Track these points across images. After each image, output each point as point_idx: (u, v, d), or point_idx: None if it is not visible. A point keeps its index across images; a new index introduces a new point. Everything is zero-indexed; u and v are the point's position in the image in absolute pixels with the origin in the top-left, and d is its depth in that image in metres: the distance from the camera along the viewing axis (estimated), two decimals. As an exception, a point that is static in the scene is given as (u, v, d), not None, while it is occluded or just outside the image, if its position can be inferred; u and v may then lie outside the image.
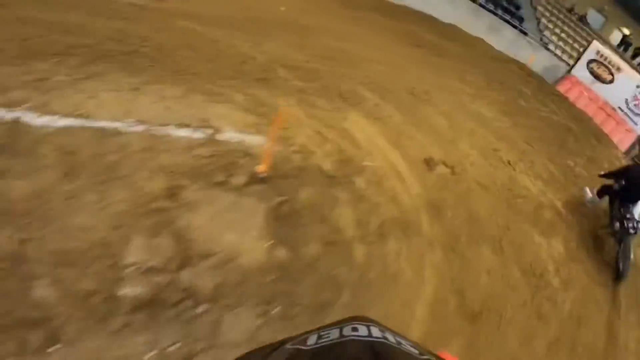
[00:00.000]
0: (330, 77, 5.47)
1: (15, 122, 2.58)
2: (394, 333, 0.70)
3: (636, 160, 6.67)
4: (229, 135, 3.37)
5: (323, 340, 0.66)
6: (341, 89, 5.27)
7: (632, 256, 5.44)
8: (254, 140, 3.43)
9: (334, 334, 0.67)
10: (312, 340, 0.67)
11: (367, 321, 0.73)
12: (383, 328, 0.71)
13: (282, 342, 0.71)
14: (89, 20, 4.23)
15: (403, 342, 0.67)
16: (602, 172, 6.48)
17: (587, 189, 6.49)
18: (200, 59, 4.42)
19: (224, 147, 3.22)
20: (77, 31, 3.85)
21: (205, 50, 4.69)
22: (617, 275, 5.35)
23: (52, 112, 2.76)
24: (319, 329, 0.71)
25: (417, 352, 0.65)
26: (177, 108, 3.35)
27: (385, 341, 0.65)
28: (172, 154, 2.93)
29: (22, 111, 2.66)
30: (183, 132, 3.15)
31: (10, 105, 2.67)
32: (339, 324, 0.72)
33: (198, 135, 3.20)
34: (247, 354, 0.74)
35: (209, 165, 3.01)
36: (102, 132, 2.81)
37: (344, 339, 0.65)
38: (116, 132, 2.85)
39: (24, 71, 3.01)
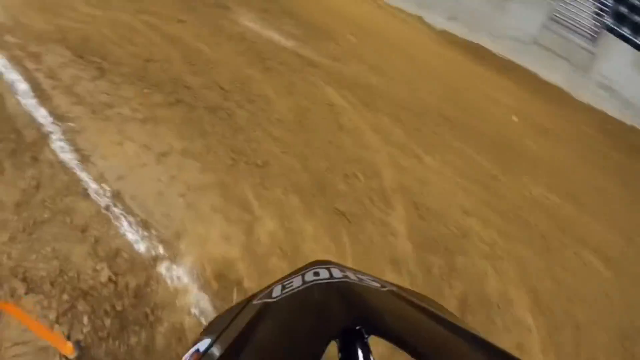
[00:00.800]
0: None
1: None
2: (355, 271, 0.72)
3: None
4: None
5: (287, 290, 0.66)
6: None
7: None
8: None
9: (297, 281, 0.68)
10: (276, 291, 0.67)
11: (327, 264, 0.73)
12: (343, 268, 0.72)
13: (248, 300, 0.72)
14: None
15: (364, 277, 0.69)
16: None
17: None
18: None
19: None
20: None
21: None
22: None
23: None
24: (281, 279, 0.72)
25: (378, 285, 0.68)
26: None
27: (348, 279, 0.66)
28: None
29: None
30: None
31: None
32: (300, 271, 0.72)
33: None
34: (217, 317, 0.76)
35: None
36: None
37: (307, 284, 0.66)
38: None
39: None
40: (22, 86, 3.73)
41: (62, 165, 3.04)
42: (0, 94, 3.40)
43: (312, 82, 4.41)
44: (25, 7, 4.39)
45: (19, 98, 3.54)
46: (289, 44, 4.94)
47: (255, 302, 0.71)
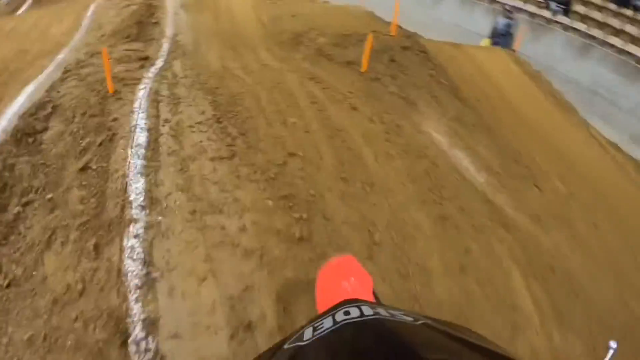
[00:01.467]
0: None
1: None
2: (386, 307, 0.73)
3: None
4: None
5: (318, 332, 0.66)
6: None
7: None
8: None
9: (328, 322, 0.68)
10: (308, 334, 0.67)
11: (358, 302, 0.73)
12: (374, 305, 0.73)
13: (280, 344, 0.72)
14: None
15: (396, 313, 0.68)
16: None
17: None
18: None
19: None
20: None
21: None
22: None
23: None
24: (312, 320, 0.72)
25: (411, 319, 0.67)
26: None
27: (379, 316, 0.67)
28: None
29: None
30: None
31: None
32: (330, 311, 0.72)
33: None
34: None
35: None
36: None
37: (338, 324, 0.66)
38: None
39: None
40: (141, 136, 2.99)
41: (119, 278, 2.13)
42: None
43: (494, 255, 2.91)
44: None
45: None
46: (480, 178, 3.53)
47: (286, 346, 0.68)
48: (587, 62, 10.01)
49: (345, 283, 1.08)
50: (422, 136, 3.61)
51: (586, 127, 6.27)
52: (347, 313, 0.68)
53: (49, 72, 4.22)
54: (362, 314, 0.67)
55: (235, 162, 2.73)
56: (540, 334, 2.58)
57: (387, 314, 0.67)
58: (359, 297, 0.80)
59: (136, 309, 1.98)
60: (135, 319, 1.92)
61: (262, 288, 2.09)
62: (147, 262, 2.13)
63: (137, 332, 1.91)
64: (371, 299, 0.96)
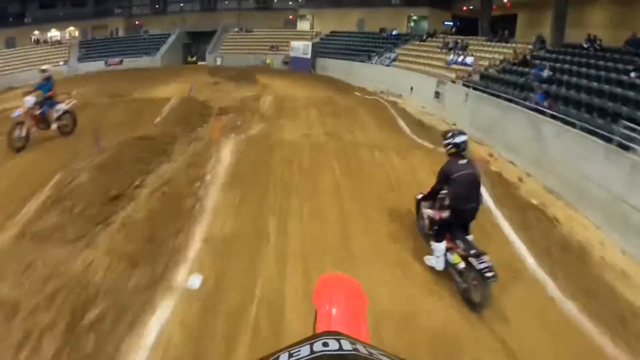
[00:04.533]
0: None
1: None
2: (365, 344, 0.72)
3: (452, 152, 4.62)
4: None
5: (294, 359, 0.66)
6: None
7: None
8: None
9: (305, 351, 0.68)
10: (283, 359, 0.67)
11: (337, 335, 0.74)
12: (353, 340, 0.73)
13: None
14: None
15: (374, 352, 0.69)
16: (421, 195, 5.05)
17: (439, 261, 4.69)
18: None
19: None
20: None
21: None
22: (475, 306, 4.23)
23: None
24: (288, 347, 0.72)
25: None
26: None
27: (357, 353, 0.67)
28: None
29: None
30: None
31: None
32: (309, 340, 0.73)
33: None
34: None
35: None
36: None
37: (316, 354, 0.66)
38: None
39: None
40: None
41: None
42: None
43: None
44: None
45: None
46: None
47: None
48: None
49: (334, 310, 1.07)
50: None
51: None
52: (325, 344, 0.69)
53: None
54: (340, 348, 0.67)
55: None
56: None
57: (366, 352, 0.67)
58: (342, 327, 0.83)
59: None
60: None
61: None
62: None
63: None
64: (358, 329, 0.98)
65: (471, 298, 4.31)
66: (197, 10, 41.89)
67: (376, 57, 25.43)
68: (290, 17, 39.78)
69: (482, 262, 4.14)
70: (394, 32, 29.21)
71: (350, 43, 30.05)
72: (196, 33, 40.19)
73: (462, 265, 4.40)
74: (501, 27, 22.25)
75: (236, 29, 38.31)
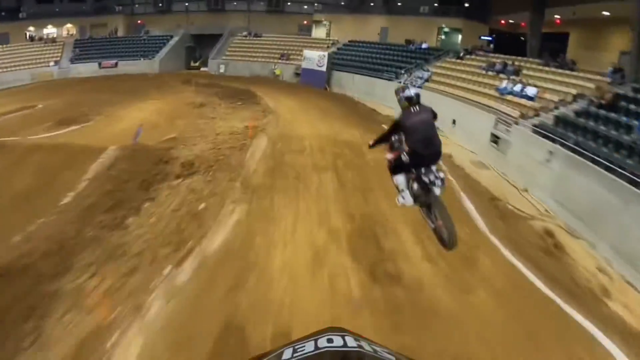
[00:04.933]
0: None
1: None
2: (369, 341, 0.77)
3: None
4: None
5: (298, 354, 0.70)
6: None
7: (447, 212, 4.27)
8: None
9: (309, 346, 0.72)
10: (287, 354, 0.71)
11: (342, 331, 0.78)
12: (358, 337, 0.77)
13: (259, 358, 0.76)
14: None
15: (378, 349, 0.73)
16: (371, 142, 4.98)
17: (406, 194, 4.63)
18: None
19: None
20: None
21: None
22: (446, 244, 4.36)
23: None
24: (293, 342, 0.76)
25: (393, 357, 0.71)
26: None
27: (361, 350, 0.71)
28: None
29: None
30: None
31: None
32: (314, 335, 0.77)
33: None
34: None
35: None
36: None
37: (320, 350, 0.70)
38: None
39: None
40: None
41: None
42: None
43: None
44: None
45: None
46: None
47: None
48: None
49: None
50: None
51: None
52: (330, 341, 0.71)
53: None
54: (345, 344, 0.70)
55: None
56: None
57: (370, 349, 0.70)
58: None
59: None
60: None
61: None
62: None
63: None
64: None
65: (442, 237, 4.40)
66: (204, 10, 38.26)
67: (405, 76, 21.43)
68: (305, 22, 36.07)
69: (431, 175, 4.29)
70: (424, 45, 25.18)
71: (372, 55, 26.08)
72: (201, 36, 36.63)
73: (415, 185, 4.47)
74: (550, 48, 18.27)
75: (244, 33, 34.61)
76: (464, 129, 13.97)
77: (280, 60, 30.06)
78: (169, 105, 13.84)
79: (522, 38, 28.43)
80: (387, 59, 25.08)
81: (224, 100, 15.55)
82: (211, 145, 8.11)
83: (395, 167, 4.66)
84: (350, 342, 0.70)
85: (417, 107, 4.52)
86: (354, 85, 23.72)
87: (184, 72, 32.21)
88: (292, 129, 11.43)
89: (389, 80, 21.78)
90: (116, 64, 33.50)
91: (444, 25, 29.03)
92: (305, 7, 36.60)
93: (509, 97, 14.41)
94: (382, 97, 20.86)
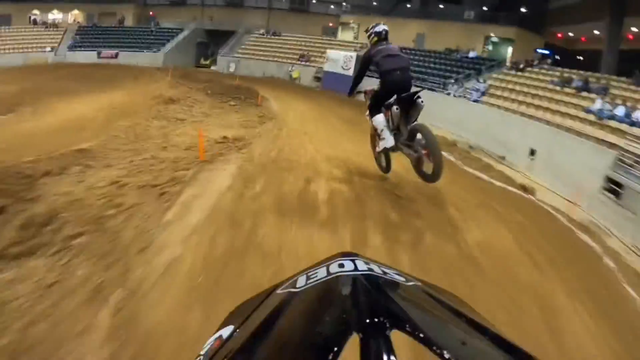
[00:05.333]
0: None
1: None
2: (379, 264, 0.75)
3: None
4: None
5: (312, 281, 0.70)
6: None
7: (435, 139, 4.19)
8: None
9: (322, 272, 0.72)
10: (301, 281, 0.72)
11: (353, 256, 0.77)
12: (368, 260, 0.76)
13: (272, 289, 0.77)
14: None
15: (388, 271, 0.73)
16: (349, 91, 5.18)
17: (386, 133, 4.58)
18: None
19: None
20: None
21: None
22: (434, 174, 4.16)
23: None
24: (306, 269, 0.76)
25: (403, 279, 0.72)
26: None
27: (372, 272, 0.70)
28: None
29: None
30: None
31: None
32: (325, 262, 0.76)
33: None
34: (241, 304, 0.79)
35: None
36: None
37: (332, 275, 0.70)
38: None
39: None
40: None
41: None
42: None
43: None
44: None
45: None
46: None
47: (279, 291, 0.72)
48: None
49: None
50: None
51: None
52: (341, 265, 0.70)
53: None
54: (355, 268, 0.69)
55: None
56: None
57: (380, 271, 0.70)
58: None
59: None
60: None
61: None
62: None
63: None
64: None
65: (423, 169, 4.39)
66: (221, 5, 34.80)
67: (455, 87, 17.21)
68: (330, 24, 32.27)
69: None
70: (472, 54, 20.96)
71: (416, 63, 22.01)
72: (216, 32, 33.14)
73: (395, 108, 4.40)
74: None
75: (261, 31, 30.91)
76: (549, 163, 9.64)
77: (299, 62, 26.15)
78: (128, 98, 10.03)
79: (580, 57, 24.16)
80: (426, 67, 20.94)
81: (213, 97, 11.56)
82: (125, 172, 4.02)
83: (373, 106, 4.73)
84: (361, 265, 0.70)
85: (386, 42, 4.77)
86: (384, 95, 19.66)
87: (190, 69, 28.55)
88: (297, 148, 6.60)
89: (433, 90, 17.53)
90: (116, 55, 30.13)
91: (492, 34, 24.78)
92: (332, 7, 32.87)
93: (612, 124, 10.03)
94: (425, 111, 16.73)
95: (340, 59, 21.53)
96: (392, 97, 4.39)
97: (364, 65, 4.71)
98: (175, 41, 31.45)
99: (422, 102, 4.37)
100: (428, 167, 4.20)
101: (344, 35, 30.87)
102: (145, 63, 29.00)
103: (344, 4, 32.27)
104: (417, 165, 4.38)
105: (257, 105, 11.81)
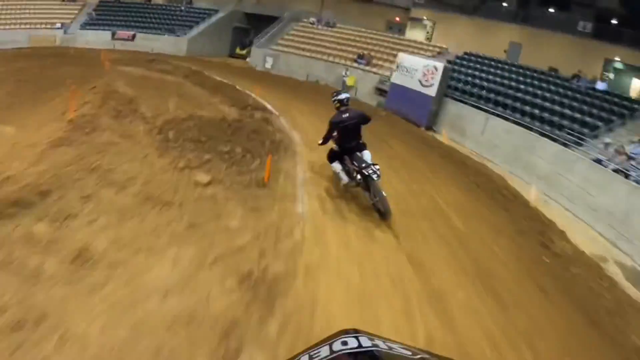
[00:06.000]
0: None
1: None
2: (384, 339, 0.73)
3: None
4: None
5: None
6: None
7: (383, 193, 5.49)
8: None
9: (325, 351, 0.69)
10: None
11: (356, 333, 0.74)
12: (372, 336, 0.74)
13: None
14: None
15: (394, 346, 0.71)
16: (320, 142, 6.17)
17: (342, 175, 5.97)
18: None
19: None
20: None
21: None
22: (383, 215, 5.51)
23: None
24: (308, 349, 0.73)
25: (409, 353, 0.69)
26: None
27: (377, 349, 0.68)
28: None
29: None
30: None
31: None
32: (328, 340, 0.73)
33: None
34: None
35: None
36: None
37: (335, 354, 0.68)
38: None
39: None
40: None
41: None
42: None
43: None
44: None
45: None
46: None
47: None
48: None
49: None
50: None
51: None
52: (344, 343, 0.68)
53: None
54: (359, 345, 0.67)
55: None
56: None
57: (385, 347, 0.68)
58: None
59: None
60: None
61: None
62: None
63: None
64: None
65: (379, 208, 5.58)
66: (268, -17, 28.48)
67: (610, 149, 9.84)
68: (397, 19, 25.20)
69: (369, 169, 5.50)
70: (600, 86, 13.44)
71: (509, 84, 14.64)
72: (258, 17, 26.98)
73: (358, 176, 5.63)
74: None
75: (311, 19, 24.33)
76: None
77: (356, 63, 19.37)
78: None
79: None
80: (526, 91, 13.59)
81: (158, 148, 5.37)
82: None
83: (331, 157, 5.99)
84: (365, 342, 0.68)
85: (347, 112, 5.92)
86: (483, 135, 12.39)
87: (214, 60, 22.52)
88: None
89: (566, 146, 10.31)
90: (133, 37, 24.72)
91: (616, 58, 16.77)
92: None
93: None
94: (548, 179, 9.78)
95: (419, 69, 14.42)
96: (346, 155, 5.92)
97: (331, 130, 5.87)
98: (205, 24, 25.57)
99: (375, 179, 5.53)
100: (381, 206, 5.52)
101: (413, 33, 23.81)
102: (165, 49, 23.33)
103: (417, -7, 25.05)
104: (373, 205, 5.67)
105: (263, 184, 5.40)
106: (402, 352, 0.68)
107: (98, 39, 24.72)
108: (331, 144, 6.03)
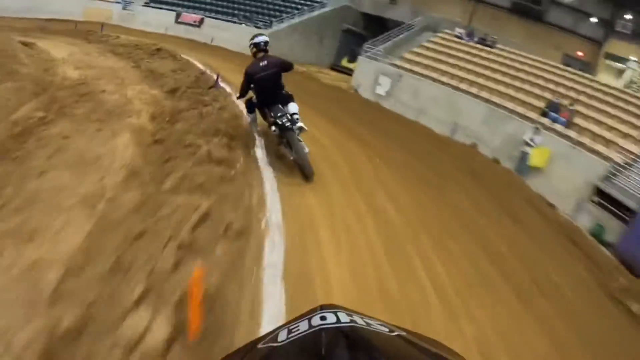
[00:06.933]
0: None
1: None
2: (362, 315, 0.73)
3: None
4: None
5: (293, 334, 0.67)
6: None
7: (306, 149, 4.99)
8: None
9: (303, 326, 0.69)
10: (282, 335, 0.68)
11: (334, 308, 0.74)
12: (350, 312, 0.73)
13: (254, 343, 0.73)
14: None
15: (372, 322, 0.71)
16: (237, 95, 5.61)
17: (253, 127, 5.84)
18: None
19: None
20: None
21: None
22: (305, 175, 4.96)
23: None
24: (287, 323, 0.72)
25: (387, 329, 0.69)
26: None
27: (355, 324, 0.68)
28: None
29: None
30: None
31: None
32: (307, 315, 0.73)
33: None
34: (224, 358, 0.74)
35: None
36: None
37: (314, 329, 0.67)
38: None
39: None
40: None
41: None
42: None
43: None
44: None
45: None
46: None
47: (260, 346, 0.70)
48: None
49: None
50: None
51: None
52: (323, 318, 0.69)
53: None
54: (338, 320, 0.68)
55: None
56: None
57: (363, 323, 0.68)
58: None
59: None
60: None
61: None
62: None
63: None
64: None
65: (301, 168, 4.93)
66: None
67: None
68: (579, 52, 15.76)
69: (284, 118, 4.90)
70: None
71: None
72: (378, 20, 19.06)
73: (273, 128, 5.02)
74: None
75: (458, 31, 15.47)
76: None
77: (546, 121, 9.99)
78: None
79: None
80: None
81: None
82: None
83: (249, 107, 5.53)
84: (343, 317, 0.68)
85: (265, 60, 5.10)
86: None
87: (299, 70, 14.50)
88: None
89: None
90: (201, 22, 17.96)
91: None
92: (592, 21, 16.02)
93: None
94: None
95: None
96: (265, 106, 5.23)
97: (248, 82, 5.19)
98: (301, 17, 17.97)
99: (295, 133, 4.97)
100: (302, 166, 4.93)
101: (605, 76, 14.13)
102: (231, 45, 16.12)
103: (620, 21, 15.37)
104: (294, 162, 5.00)
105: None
106: (379, 329, 0.67)
107: (158, 20, 18.42)
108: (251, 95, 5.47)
